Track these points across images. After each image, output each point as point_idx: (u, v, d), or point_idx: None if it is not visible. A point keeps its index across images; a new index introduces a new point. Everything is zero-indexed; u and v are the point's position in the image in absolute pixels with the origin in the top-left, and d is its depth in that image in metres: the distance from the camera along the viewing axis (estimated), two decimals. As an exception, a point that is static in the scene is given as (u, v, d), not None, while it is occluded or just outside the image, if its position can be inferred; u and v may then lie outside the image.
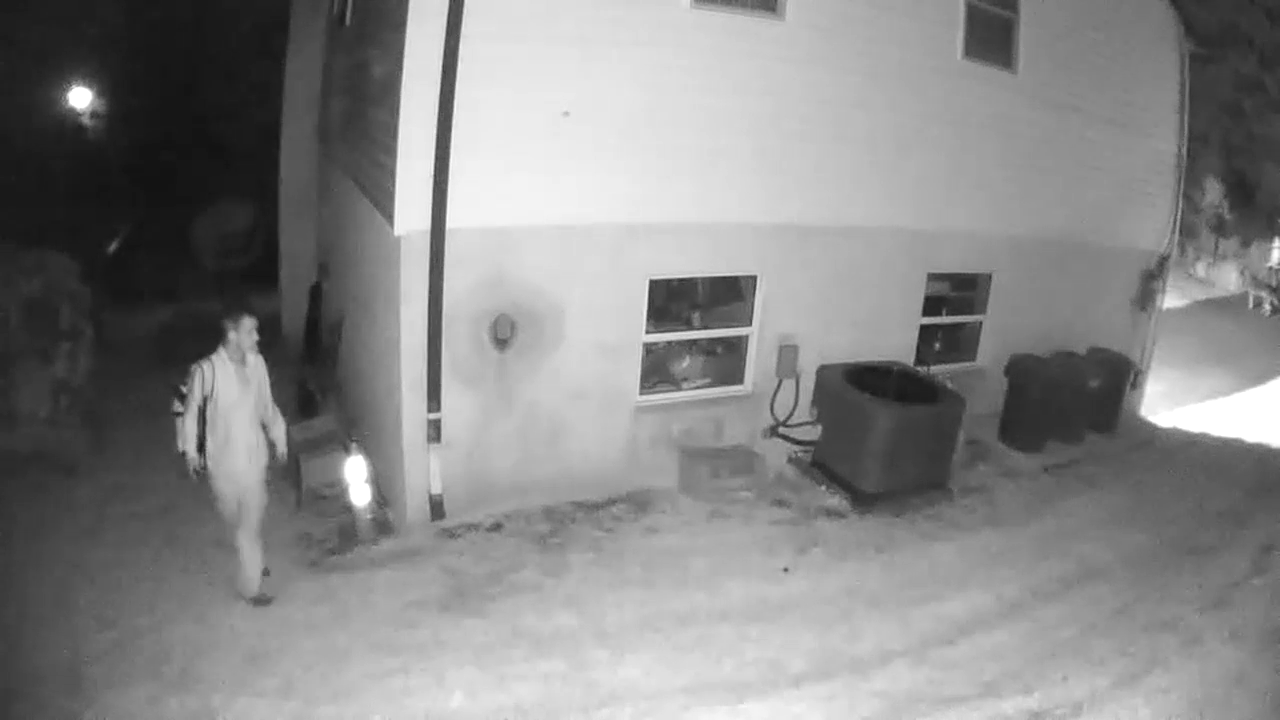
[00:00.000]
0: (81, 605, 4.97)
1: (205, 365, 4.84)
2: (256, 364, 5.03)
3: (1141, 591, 5.45)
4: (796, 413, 7.24)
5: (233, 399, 4.87)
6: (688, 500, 6.55)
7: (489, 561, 5.53)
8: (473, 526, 5.93)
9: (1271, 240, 21.38)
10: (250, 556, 5.07)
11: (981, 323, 8.66)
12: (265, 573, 5.20)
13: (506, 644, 4.62)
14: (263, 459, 5.07)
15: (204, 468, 4.91)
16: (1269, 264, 21.20)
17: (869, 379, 7.02)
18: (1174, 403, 12.66)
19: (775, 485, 6.91)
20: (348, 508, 6.07)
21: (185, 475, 4.98)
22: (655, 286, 6.53)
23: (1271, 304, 20.23)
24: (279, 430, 5.19)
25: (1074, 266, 9.12)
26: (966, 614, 5.15)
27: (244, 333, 4.91)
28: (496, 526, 5.97)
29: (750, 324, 7.05)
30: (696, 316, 7.08)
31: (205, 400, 4.82)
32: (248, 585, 5.09)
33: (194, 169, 14.58)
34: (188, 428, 4.86)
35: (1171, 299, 13.07)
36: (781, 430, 7.22)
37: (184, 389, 4.96)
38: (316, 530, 6.09)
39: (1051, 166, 8.46)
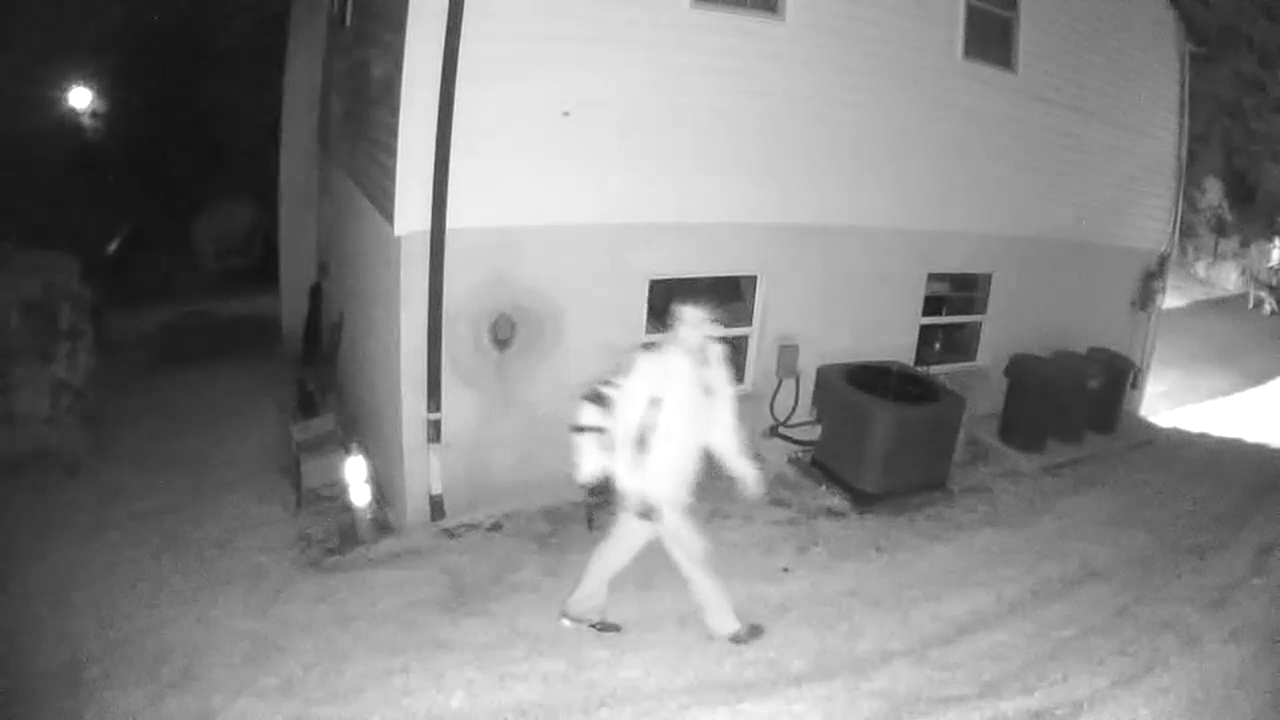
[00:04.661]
0: (81, 605, 4.96)
1: (658, 356, 3.75)
2: (719, 371, 3.86)
3: (1141, 591, 5.44)
4: (796, 413, 7.24)
5: (689, 410, 3.76)
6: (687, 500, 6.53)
7: (489, 561, 5.52)
8: (473, 526, 5.93)
9: (1271, 240, 21.38)
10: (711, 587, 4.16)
11: (981, 323, 8.66)
12: (609, 627, 4.51)
13: (506, 644, 4.61)
14: None
15: (652, 508, 3.78)
16: (1269, 264, 21.19)
17: (869, 379, 7.01)
18: (1174, 403, 12.68)
19: (775, 485, 6.89)
20: (348, 508, 6.07)
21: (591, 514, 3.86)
22: (655, 286, 6.53)
23: (1271, 304, 20.23)
24: (748, 468, 4.05)
25: (1074, 266, 9.11)
26: (966, 614, 5.14)
27: (688, 328, 3.80)
28: (496, 526, 5.97)
29: (750, 324, 7.05)
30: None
31: (650, 406, 3.68)
32: (728, 621, 4.29)
33: (194, 168, 14.61)
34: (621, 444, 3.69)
35: (1171, 299, 13.08)
36: (781, 430, 7.21)
37: (607, 392, 3.84)
38: (316, 530, 6.08)
39: (1051, 166, 8.46)
